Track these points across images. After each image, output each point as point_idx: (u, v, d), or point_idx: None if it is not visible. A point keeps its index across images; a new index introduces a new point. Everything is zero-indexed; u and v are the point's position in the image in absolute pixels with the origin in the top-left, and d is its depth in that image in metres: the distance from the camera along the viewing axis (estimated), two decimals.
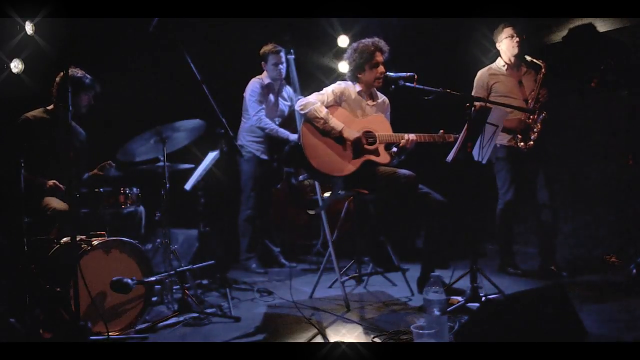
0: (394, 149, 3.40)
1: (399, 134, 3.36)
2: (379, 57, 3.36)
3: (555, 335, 2.16)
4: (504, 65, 3.94)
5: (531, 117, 3.79)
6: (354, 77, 3.45)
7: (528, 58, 3.83)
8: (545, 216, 3.87)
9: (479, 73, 3.99)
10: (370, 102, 3.50)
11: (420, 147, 3.40)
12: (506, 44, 3.88)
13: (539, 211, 3.90)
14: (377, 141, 3.32)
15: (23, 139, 3.28)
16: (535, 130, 3.77)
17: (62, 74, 3.36)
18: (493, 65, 3.99)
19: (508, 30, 3.86)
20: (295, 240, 4.95)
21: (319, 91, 3.39)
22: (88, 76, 3.40)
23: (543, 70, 3.80)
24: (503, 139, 3.87)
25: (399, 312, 3.09)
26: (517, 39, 3.85)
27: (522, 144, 3.80)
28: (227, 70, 4.69)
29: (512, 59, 3.91)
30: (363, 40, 3.39)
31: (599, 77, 3.62)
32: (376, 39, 3.39)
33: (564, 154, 4.66)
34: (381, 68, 3.36)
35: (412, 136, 3.31)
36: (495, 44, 3.99)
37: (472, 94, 3.94)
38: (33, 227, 2.98)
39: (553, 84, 3.95)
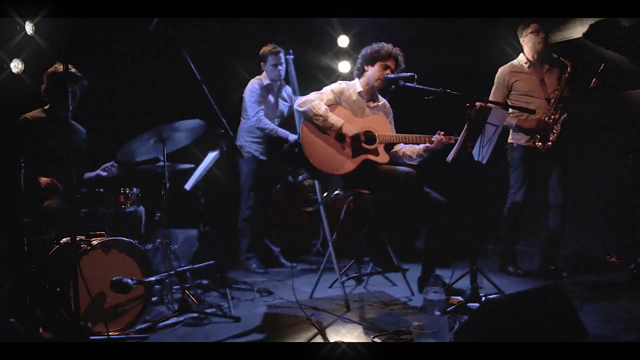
0: (423, 153, 3.35)
1: (400, 134, 3.36)
2: (392, 63, 3.37)
3: (555, 335, 2.16)
4: (526, 63, 3.87)
5: (552, 117, 3.72)
6: (361, 69, 3.45)
7: (555, 55, 3.77)
8: (554, 217, 3.86)
9: (500, 70, 3.92)
10: (371, 104, 3.49)
11: None
12: (531, 40, 3.82)
13: (548, 212, 3.88)
14: (377, 141, 3.32)
15: (22, 140, 3.27)
16: (555, 131, 3.71)
17: (47, 72, 3.36)
18: (514, 62, 3.92)
19: (534, 26, 3.80)
20: (295, 240, 4.95)
21: (318, 90, 3.39)
22: (70, 68, 3.36)
23: (569, 69, 3.72)
24: (521, 139, 3.84)
25: (399, 312, 3.09)
26: (542, 34, 3.79)
27: (539, 144, 3.74)
28: (227, 71, 4.70)
29: (536, 56, 3.84)
30: (387, 44, 3.40)
31: (599, 77, 3.61)
32: (399, 50, 3.40)
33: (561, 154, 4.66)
34: (388, 72, 3.37)
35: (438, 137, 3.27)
36: (519, 40, 3.92)
37: (492, 91, 3.91)
38: (33, 227, 2.98)
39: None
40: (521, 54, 3.91)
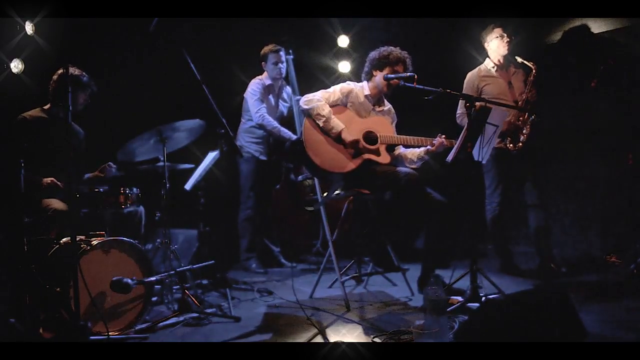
0: (424, 155, 3.37)
1: (401, 136, 3.36)
2: (400, 68, 3.36)
3: (555, 335, 2.16)
4: (493, 67, 3.93)
5: (520, 118, 3.77)
6: (369, 73, 3.43)
7: (519, 59, 3.81)
8: (538, 216, 3.87)
9: (469, 75, 3.98)
10: (377, 108, 3.48)
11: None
12: (496, 44, 3.87)
13: (529, 212, 3.91)
14: (379, 142, 3.32)
15: (22, 139, 3.27)
16: (524, 132, 3.75)
17: (59, 72, 3.37)
18: (482, 66, 3.97)
19: (498, 31, 3.85)
20: (295, 240, 4.95)
21: (325, 89, 3.38)
22: (85, 75, 3.38)
23: (534, 71, 3.77)
24: None
25: (399, 312, 3.09)
26: (507, 39, 3.84)
27: (511, 145, 3.78)
28: (227, 71, 4.70)
29: (501, 60, 3.90)
30: (396, 49, 3.40)
31: (599, 77, 3.61)
32: (407, 53, 3.40)
33: (563, 154, 4.66)
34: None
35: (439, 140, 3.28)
36: (483, 45, 3.98)
37: None
38: (33, 227, 2.98)
39: (551, 85, 3.94)
40: (487, 59, 3.96)
